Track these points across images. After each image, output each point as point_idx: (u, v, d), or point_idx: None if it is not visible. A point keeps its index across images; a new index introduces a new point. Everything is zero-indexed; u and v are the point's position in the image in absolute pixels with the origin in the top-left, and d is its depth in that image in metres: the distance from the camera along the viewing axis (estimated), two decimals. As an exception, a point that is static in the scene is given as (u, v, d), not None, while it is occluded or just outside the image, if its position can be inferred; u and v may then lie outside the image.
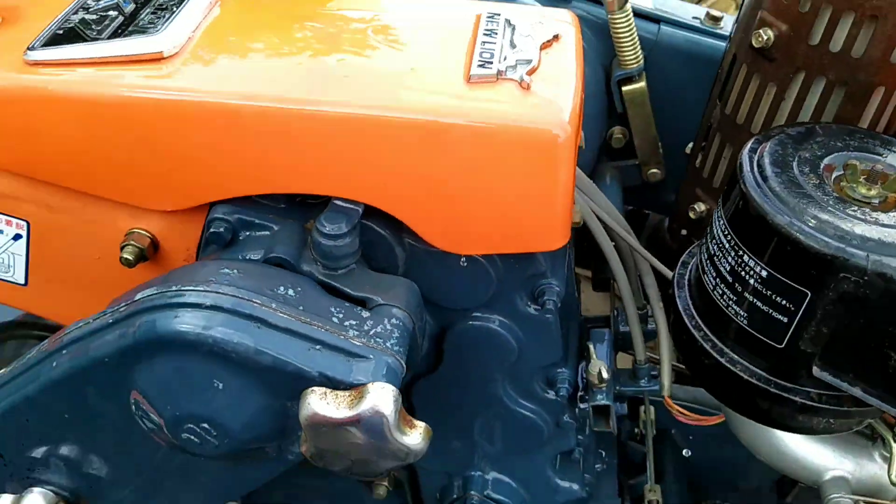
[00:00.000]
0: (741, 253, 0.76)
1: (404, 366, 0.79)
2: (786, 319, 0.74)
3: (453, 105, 0.80)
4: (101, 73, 0.83)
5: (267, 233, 0.88)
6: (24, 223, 0.97)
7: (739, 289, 0.77)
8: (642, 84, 1.17)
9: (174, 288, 0.77)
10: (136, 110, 0.82)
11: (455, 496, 1.21)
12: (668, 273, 1.01)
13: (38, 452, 0.90)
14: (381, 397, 0.72)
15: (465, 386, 1.08)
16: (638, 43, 1.14)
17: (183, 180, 0.86)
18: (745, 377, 0.80)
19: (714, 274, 0.81)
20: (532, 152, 0.80)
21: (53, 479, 0.92)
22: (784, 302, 0.73)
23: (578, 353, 1.13)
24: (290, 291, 0.81)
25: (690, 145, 1.17)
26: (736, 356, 0.81)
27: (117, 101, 0.82)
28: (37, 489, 0.91)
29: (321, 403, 0.73)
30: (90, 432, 0.87)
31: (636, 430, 1.38)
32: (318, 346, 0.77)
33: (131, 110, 0.82)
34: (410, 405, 1.11)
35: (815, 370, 0.75)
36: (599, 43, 1.18)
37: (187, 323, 0.75)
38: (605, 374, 1.03)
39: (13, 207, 0.95)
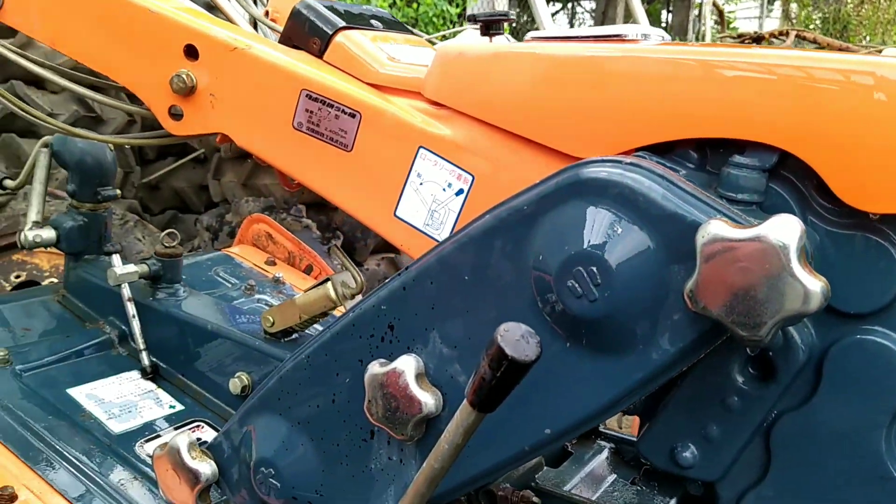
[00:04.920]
0: None
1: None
2: None
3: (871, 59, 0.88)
4: (571, 42, 1.09)
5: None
6: (470, 178, 1.19)
7: None
8: None
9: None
10: (597, 64, 1.04)
11: None
12: None
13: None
14: (786, 224, 0.73)
15: (837, 430, 0.96)
16: None
17: (619, 125, 1.02)
18: None
19: None
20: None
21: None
22: None
23: None
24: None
25: None
26: None
27: (582, 58, 1.05)
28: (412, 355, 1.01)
29: (720, 225, 0.76)
30: (480, 302, 0.96)
31: None
32: (715, 212, 0.82)
33: (593, 64, 1.04)
34: (767, 448, 1.01)
35: None
36: None
37: (606, 170, 0.86)
38: None
39: (466, 160, 1.19)
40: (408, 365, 0.99)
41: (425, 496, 0.92)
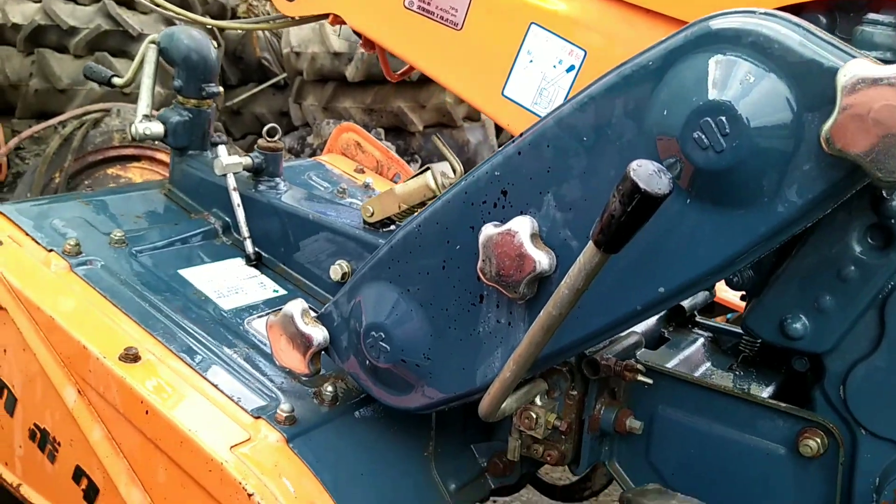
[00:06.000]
0: None
1: None
2: None
3: None
4: None
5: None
6: (582, 53, 1.19)
7: None
8: None
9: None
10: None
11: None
12: None
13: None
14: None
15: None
16: None
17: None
18: None
19: None
20: None
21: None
22: None
23: None
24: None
25: None
26: None
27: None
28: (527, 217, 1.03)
29: (863, 64, 0.75)
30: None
31: None
32: (852, 57, 0.80)
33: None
34: (882, 319, 1.01)
35: None
36: None
37: (740, 19, 0.85)
38: None
39: (578, 35, 1.18)
40: (522, 225, 1.02)
41: (540, 345, 0.95)
